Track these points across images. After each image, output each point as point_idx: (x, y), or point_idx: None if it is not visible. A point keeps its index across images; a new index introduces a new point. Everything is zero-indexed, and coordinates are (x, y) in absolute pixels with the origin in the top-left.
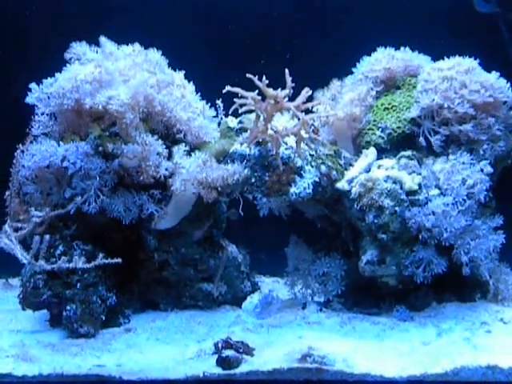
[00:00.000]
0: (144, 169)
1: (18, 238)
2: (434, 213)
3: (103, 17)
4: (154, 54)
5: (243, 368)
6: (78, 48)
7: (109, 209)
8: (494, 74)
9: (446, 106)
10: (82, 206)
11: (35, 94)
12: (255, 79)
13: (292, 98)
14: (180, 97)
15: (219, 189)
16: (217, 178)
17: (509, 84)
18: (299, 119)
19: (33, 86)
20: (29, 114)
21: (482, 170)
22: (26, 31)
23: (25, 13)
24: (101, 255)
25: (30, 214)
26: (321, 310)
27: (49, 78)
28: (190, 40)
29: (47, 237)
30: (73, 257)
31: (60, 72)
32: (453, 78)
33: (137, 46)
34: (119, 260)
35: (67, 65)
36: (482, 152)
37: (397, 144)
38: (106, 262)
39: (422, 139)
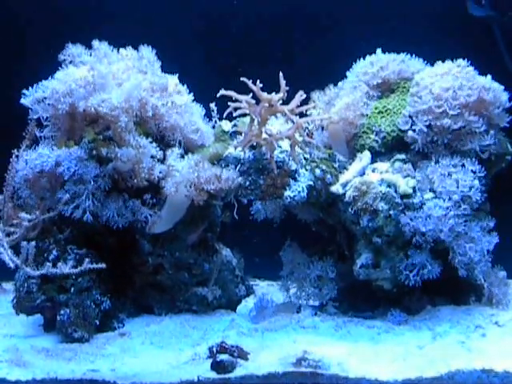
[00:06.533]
0: (137, 171)
1: (10, 243)
2: (428, 216)
3: (101, 20)
4: (147, 51)
5: (238, 372)
6: (73, 49)
7: (102, 214)
8: (488, 78)
9: (437, 109)
10: (74, 212)
11: (30, 97)
12: (249, 82)
13: (287, 102)
14: (174, 100)
15: (212, 191)
16: (210, 176)
17: (502, 87)
18: (293, 123)
19: (28, 89)
20: (23, 118)
21: (473, 172)
22: (23, 32)
23: (23, 14)
24: (87, 260)
25: (21, 217)
26: (315, 313)
27: (44, 81)
28: (184, 43)
29: (33, 243)
30: (66, 261)
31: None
32: (446, 82)
33: (130, 50)
34: (103, 265)
35: (61, 67)
36: (472, 154)
37: (391, 147)
38: (92, 266)
39: (410, 136)
